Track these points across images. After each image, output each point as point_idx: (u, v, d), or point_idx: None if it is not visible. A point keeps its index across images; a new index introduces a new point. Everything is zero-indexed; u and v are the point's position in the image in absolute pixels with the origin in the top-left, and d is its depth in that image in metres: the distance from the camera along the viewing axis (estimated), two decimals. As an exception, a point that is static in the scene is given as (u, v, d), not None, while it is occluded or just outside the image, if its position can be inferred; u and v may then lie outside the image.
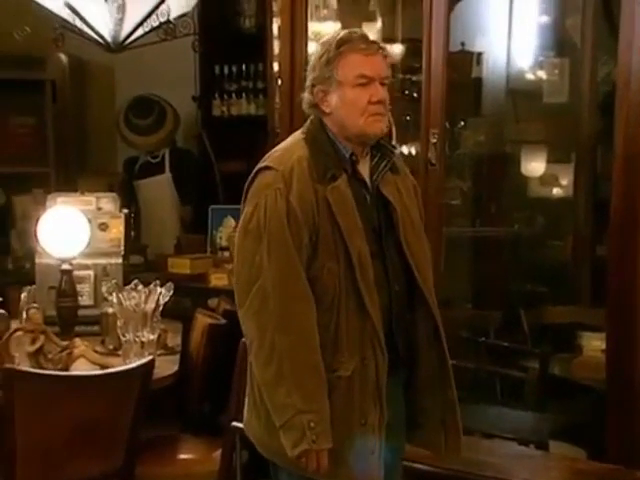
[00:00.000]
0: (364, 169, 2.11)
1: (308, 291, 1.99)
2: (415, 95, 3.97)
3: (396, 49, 3.91)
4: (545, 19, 4.41)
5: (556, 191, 4.51)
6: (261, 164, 2.08)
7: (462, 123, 4.44)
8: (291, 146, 2.09)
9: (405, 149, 3.92)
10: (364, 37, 2.07)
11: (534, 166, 4.53)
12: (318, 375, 1.97)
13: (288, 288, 1.98)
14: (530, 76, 4.44)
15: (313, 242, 2.00)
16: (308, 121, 2.14)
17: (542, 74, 4.39)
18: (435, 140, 3.22)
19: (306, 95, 2.11)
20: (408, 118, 4.05)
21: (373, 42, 2.08)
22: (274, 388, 1.98)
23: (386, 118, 2.07)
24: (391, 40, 3.89)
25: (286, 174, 2.01)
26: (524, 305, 3.96)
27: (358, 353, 2.01)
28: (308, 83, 2.10)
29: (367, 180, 2.11)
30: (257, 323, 1.99)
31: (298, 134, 2.13)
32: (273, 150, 2.13)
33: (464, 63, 4.39)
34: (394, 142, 2.17)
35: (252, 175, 2.08)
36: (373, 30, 3.88)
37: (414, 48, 3.84)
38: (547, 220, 4.65)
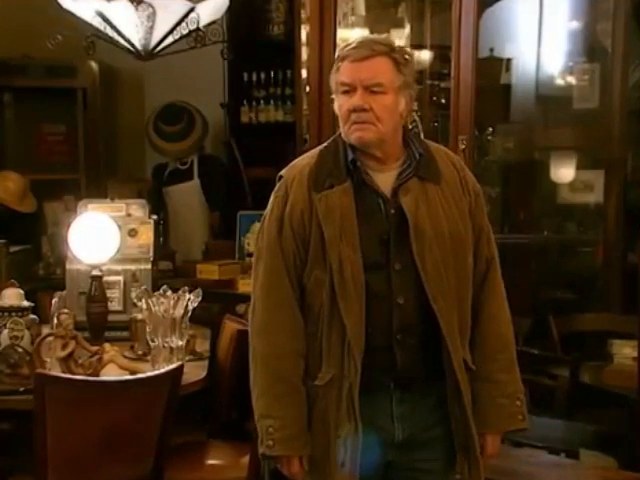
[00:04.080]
0: (386, 177, 2.04)
1: (290, 300, 2.02)
2: (443, 101, 3.96)
3: (424, 55, 3.90)
4: (575, 24, 4.38)
5: (586, 197, 4.47)
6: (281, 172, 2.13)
7: (491, 129, 4.42)
8: (307, 155, 2.12)
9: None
10: (362, 42, 1.99)
11: (564, 172, 4.50)
12: (285, 383, 2.01)
13: (270, 296, 2.04)
14: (560, 82, 4.41)
15: (305, 250, 2.01)
16: None
17: (572, 80, 4.36)
18: (464, 146, 3.22)
19: None
20: (436, 124, 4.05)
21: (369, 45, 1.98)
22: (252, 390, 2.06)
23: (371, 126, 1.96)
24: (420, 46, 3.88)
25: (288, 182, 2.05)
26: (554, 312, 3.93)
27: (336, 365, 1.98)
28: None
29: (384, 188, 2.02)
30: (249, 327, 2.09)
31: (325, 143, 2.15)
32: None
33: (493, 69, 4.37)
34: (419, 148, 2.07)
35: None
36: (402, 36, 3.87)
37: (442, 54, 3.84)
38: (577, 227, 4.62)
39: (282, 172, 2.10)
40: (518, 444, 3.07)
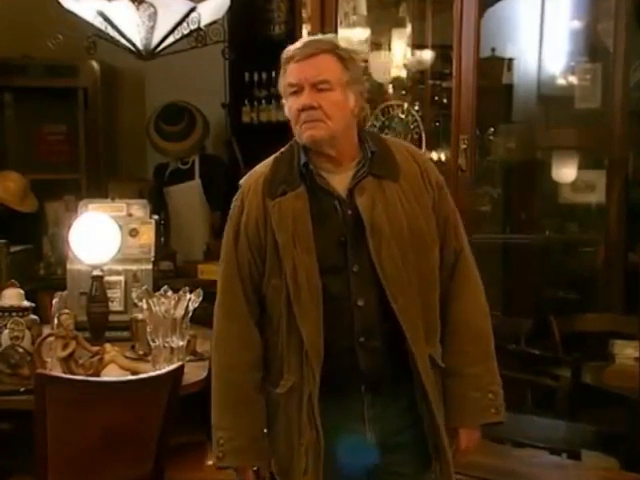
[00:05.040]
0: (342, 178, 2.01)
1: (242, 310, 2.02)
2: (445, 101, 3.95)
3: (426, 55, 3.89)
4: (577, 24, 4.38)
5: (588, 197, 4.47)
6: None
7: (492, 129, 4.42)
8: (264, 162, 2.11)
9: (435, 155, 3.91)
10: (306, 42, 2.00)
11: (565, 172, 4.50)
12: (234, 394, 2.02)
13: (224, 305, 2.06)
14: (562, 82, 4.41)
15: (262, 259, 2.01)
16: None
17: (574, 79, 4.35)
18: (465, 146, 3.21)
19: None
20: (438, 124, 4.04)
21: (313, 44, 1.98)
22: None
23: (321, 124, 1.94)
24: (421, 46, 3.87)
25: (245, 191, 2.06)
26: (555, 312, 3.92)
27: (296, 373, 1.97)
28: None
29: (341, 189, 2.00)
30: None
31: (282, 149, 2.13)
32: None
33: (495, 69, 4.37)
34: (372, 146, 2.03)
35: None
36: (403, 36, 3.86)
37: (444, 54, 3.83)
38: (579, 227, 4.61)
39: (241, 181, 2.10)
40: (519, 444, 3.06)
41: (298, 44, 1.99)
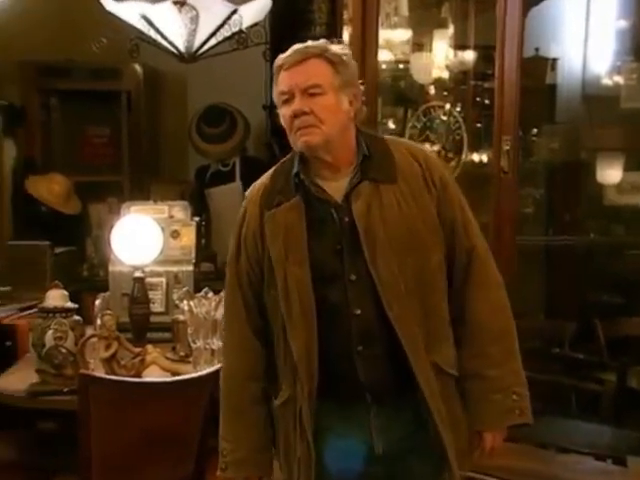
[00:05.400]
0: (339, 184, 1.96)
1: (241, 320, 2.02)
2: (487, 102, 3.91)
3: (468, 56, 3.86)
4: (623, 23, 4.31)
5: (634, 199, 4.39)
6: None
7: (536, 130, 4.37)
8: (266, 173, 2.09)
9: (476, 157, 3.87)
10: (295, 49, 1.95)
11: (610, 174, 4.42)
12: (234, 404, 2.02)
13: (227, 317, 2.09)
14: (607, 81, 4.34)
15: (261, 271, 1.99)
16: None
17: (619, 79, 4.28)
18: (508, 147, 3.18)
19: None
20: (480, 125, 4.00)
21: (302, 50, 1.94)
22: None
23: (315, 129, 1.90)
24: (463, 47, 3.84)
25: (247, 202, 2.06)
26: (600, 316, 3.86)
27: (291, 385, 1.96)
28: None
29: (337, 196, 1.95)
30: None
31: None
32: None
33: (538, 69, 4.32)
34: (365, 149, 1.97)
35: None
36: (445, 37, 3.84)
37: (486, 54, 3.80)
38: (624, 229, 4.54)
39: (247, 191, 2.10)
40: (564, 450, 3.02)
41: (288, 52, 1.96)
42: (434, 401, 1.92)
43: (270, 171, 2.07)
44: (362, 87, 2.01)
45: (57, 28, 5.30)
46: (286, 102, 1.93)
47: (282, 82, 1.94)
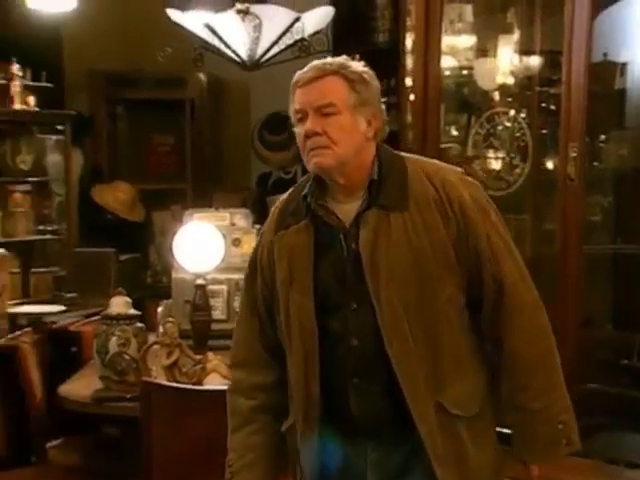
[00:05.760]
0: (351, 207, 1.85)
1: (252, 336, 1.97)
2: (553, 108, 3.84)
3: (534, 61, 3.80)
4: (696, 26, 4.18)
5: None
6: None
7: (604, 136, 4.27)
8: (284, 194, 2.02)
9: (542, 164, 3.80)
10: (312, 65, 1.85)
11: (682, 181, 4.29)
12: (238, 417, 1.98)
13: (238, 329, 2.02)
14: (678, 86, 4.21)
15: (272, 293, 1.92)
16: None
17: (692, 84, 4.15)
18: (574, 154, 3.12)
19: None
20: (545, 132, 3.93)
21: (318, 66, 1.84)
22: None
23: (327, 151, 1.80)
24: (528, 52, 3.77)
25: (266, 221, 2.00)
26: (670, 326, 3.74)
27: (294, 411, 1.91)
28: None
29: (347, 221, 1.84)
30: None
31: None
32: None
33: (607, 74, 4.21)
34: (376, 172, 1.84)
35: None
36: (510, 42, 3.78)
37: (552, 60, 3.72)
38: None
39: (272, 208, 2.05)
40: (633, 465, 2.93)
41: (305, 68, 1.86)
42: (430, 438, 1.81)
43: (289, 190, 1.99)
44: (383, 106, 1.90)
45: (124, 38, 5.40)
46: (300, 120, 1.84)
47: (296, 100, 1.85)
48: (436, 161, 1.95)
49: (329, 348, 1.84)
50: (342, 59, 1.89)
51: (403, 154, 1.91)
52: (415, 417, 1.80)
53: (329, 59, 1.89)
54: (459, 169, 1.94)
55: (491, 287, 1.84)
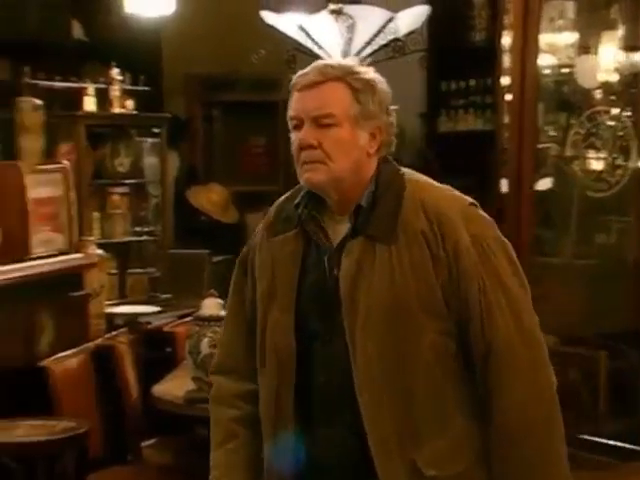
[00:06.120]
0: (342, 228, 1.64)
1: (236, 340, 1.76)
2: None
3: (638, 58, 3.65)
4: None
5: None
6: None
7: None
8: (287, 193, 1.81)
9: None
10: (314, 67, 1.64)
11: None
12: (220, 431, 1.73)
13: (223, 334, 1.83)
14: None
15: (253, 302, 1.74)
16: None
17: None
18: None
19: None
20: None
21: (320, 69, 1.62)
22: None
23: (320, 166, 1.59)
24: (634, 48, 3.64)
25: (260, 224, 1.79)
26: None
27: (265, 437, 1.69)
28: None
29: (335, 241, 1.63)
30: None
31: None
32: None
33: None
34: (369, 197, 1.61)
35: None
36: (614, 39, 3.65)
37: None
38: None
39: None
40: None
41: (307, 69, 1.64)
42: None
43: (286, 194, 1.77)
44: (393, 117, 1.68)
45: (219, 41, 5.46)
46: (296, 128, 1.64)
47: (292, 105, 1.65)
48: (443, 187, 1.68)
49: (299, 380, 1.64)
50: (349, 62, 1.71)
51: (407, 173, 1.68)
52: (381, 477, 1.58)
53: (334, 61, 1.72)
54: (469, 200, 1.66)
55: (479, 351, 1.59)
